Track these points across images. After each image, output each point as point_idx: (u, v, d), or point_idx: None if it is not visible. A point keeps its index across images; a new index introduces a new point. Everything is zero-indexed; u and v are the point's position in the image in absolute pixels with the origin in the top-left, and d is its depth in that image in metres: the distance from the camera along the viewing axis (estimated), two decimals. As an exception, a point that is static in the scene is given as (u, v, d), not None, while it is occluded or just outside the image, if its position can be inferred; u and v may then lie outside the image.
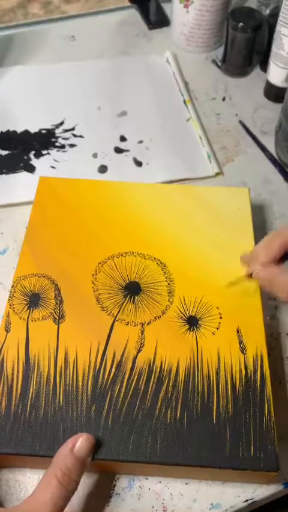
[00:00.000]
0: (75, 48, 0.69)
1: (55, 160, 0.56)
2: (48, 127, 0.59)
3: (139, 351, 0.38)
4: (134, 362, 0.38)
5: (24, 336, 0.39)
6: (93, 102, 0.62)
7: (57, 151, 0.57)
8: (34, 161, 0.56)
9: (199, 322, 0.40)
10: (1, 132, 0.58)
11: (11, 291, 0.41)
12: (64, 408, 0.35)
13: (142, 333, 0.39)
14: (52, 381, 0.37)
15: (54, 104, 0.61)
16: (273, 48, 0.58)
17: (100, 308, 0.40)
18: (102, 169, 0.55)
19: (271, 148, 0.58)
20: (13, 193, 0.53)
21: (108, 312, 0.40)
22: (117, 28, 0.72)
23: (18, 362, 0.38)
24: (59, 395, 0.36)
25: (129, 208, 0.46)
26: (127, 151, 0.57)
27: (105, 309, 0.40)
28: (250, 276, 0.40)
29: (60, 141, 0.58)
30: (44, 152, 0.57)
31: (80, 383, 0.37)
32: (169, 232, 0.45)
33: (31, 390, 0.36)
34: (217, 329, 0.40)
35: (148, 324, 0.40)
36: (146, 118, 0.60)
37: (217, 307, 0.41)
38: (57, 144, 0.58)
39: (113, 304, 0.41)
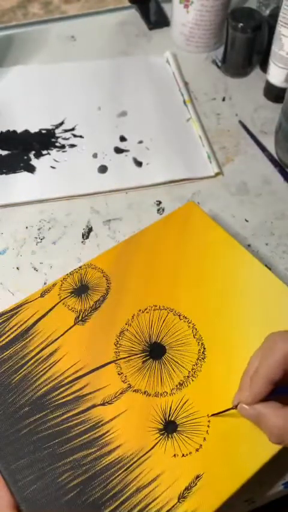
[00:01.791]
0: (75, 48, 0.69)
1: (55, 160, 0.56)
2: (48, 127, 0.59)
3: (103, 404, 0.36)
4: (89, 409, 0.36)
5: (46, 310, 0.40)
6: (93, 102, 0.62)
7: (57, 151, 0.57)
8: (34, 161, 0.56)
9: (176, 433, 0.35)
10: (1, 132, 0.58)
11: (76, 268, 0.43)
12: (11, 387, 0.36)
13: (121, 393, 0.36)
14: (26, 360, 0.38)
15: (54, 104, 0.61)
16: (273, 48, 0.58)
17: (115, 346, 0.39)
18: (102, 169, 0.55)
19: (271, 148, 0.58)
20: (13, 193, 0.53)
21: (116, 350, 0.39)
22: (117, 28, 0.72)
23: (21, 325, 0.39)
24: (18, 375, 0.37)
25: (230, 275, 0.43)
26: (127, 151, 0.57)
27: (117, 348, 0.39)
28: (236, 407, 0.34)
29: (60, 141, 0.58)
30: (44, 152, 0.57)
31: (39, 381, 0.37)
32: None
33: (7, 353, 0.38)
34: (183, 455, 0.34)
35: (132, 390, 0.37)
36: (146, 118, 0.60)
37: (207, 430, 0.35)
38: (57, 144, 0.57)
39: (127, 350, 0.39)
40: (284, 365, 0.32)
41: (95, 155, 0.56)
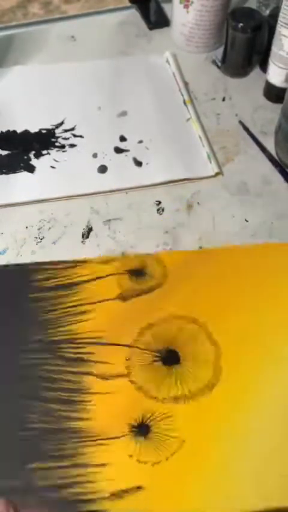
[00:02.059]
0: (75, 48, 0.69)
1: (55, 160, 0.56)
2: (48, 127, 0.59)
3: (97, 376, 0.37)
4: (83, 374, 0.37)
5: (99, 275, 0.43)
6: (93, 102, 0.62)
7: (57, 151, 0.57)
8: (34, 161, 0.56)
9: (144, 438, 0.35)
10: (1, 132, 0.58)
11: (143, 254, 0.45)
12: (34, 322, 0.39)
13: (118, 376, 0.37)
14: (61, 307, 0.41)
15: (54, 104, 0.61)
16: (273, 48, 0.58)
17: (137, 334, 0.40)
18: (102, 169, 0.55)
19: (271, 148, 0.58)
20: (13, 193, 0.53)
21: (137, 339, 0.39)
22: (117, 28, 0.72)
23: (73, 278, 0.43)
24: (47, 315, 0.40)
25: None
26: (127, 151, 0.57)
27: (139, 338, 0.39)
28: None
29: (60, 141, 0.58)
30: (44, 152, 0.57)
31: (60, 329, 0.39)
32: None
33: (49, 294, 0.41)
34: (137, 460, 0.34)
35: (129, 380, 0.37)
36: (146, 118, 0.60)
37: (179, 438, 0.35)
38: (57, 144, 0.57)
39: (146, 343, 0.39)
40: None
41: (95, 155, 0.57)
